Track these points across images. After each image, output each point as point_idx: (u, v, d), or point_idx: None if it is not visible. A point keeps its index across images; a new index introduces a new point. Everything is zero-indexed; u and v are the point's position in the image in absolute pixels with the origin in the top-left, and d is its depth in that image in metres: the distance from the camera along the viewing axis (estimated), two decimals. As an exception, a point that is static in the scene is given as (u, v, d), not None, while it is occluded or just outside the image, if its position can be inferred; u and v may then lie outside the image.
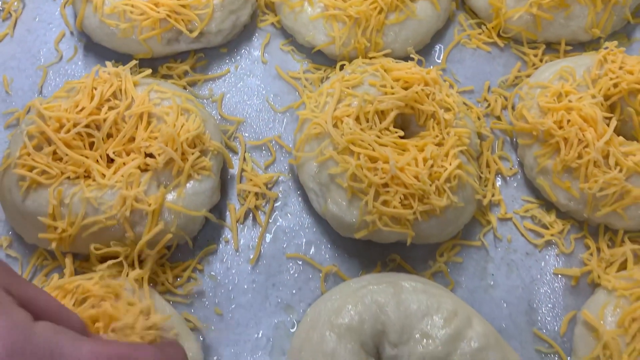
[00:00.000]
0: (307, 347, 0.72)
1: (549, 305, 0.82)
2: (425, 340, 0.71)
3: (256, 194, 0.87)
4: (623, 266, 0.83)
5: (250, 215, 0.87)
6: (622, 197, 0.82)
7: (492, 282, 0.84)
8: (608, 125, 0.85)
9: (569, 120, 0.85)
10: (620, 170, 0.82)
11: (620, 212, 0.83)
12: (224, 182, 0.88)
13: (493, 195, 0.89)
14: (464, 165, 0.83)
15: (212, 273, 0.83)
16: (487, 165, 0.91)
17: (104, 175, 0.79)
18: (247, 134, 0.93)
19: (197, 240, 0.85)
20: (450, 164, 0.81)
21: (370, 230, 0.79)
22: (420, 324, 0.72)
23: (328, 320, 0.73)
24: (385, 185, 0.78)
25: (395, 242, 0.83)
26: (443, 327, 0.71)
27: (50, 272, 0.81)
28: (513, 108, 0.95)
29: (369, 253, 0.85)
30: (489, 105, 0.97)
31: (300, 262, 0.84)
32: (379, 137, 0.82)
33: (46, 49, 1.00)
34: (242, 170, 0.89)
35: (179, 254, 0.84)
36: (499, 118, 0.96)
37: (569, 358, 0.79)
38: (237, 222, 0.86)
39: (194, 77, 0.96)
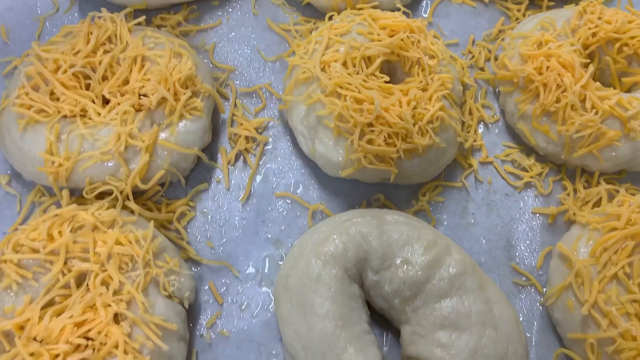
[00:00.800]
0: (294, 273, 0.76)
1: (527, 242, 0.86)
2: (405, 266, 0.74)
3: (247, 137, 0.90)
4: (598, 205, 0.86)
5: (241, 157, 0.90)
6: (598, 138, 0.86)
7: (472, 221, 0.87)
8: (586, 72, 0.88)
9: (548, 67, 0.88)
10: (596, 113, 0.85)
11: (596, 154, 0.86)
12: (215, 127, 0.92)
13: (475, 141, 0.93)
14: (447, 109, 0.86)
15: (204, 210, 0.86)
16: (470, 113, 0.95)
17: (99, 114, 0.82)
18: (238, 82, 0.96)
19: (189, 180, 0.88)
20: (433, 107, 0.84)
21: (356, 168, 0.82)
22: (402, 252, 0.75)
23: (314, 249, 0.76)
24: (370, 125, 0.81)
25: (380, 183, 0.87)
26: (423, 254, 0.75)
27: (47, 208, 0.84)
28: (496, 60, 0.98)
29: (355, 193, 0.88)
30: (473, 57, 1.00)
31: (289, 201, 0.87)
32: (365, 81, 0.85)
33: (42, 1, 1.02)
34: (233, 115, 0.92)
35: (173, 192, 0.87)
36: (482, 69, 0.99)
37: (544, 289, 0.83)
38: (228, 163, 0.89)
39: (187, 27, 0.99)
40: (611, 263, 0.76)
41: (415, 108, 0.83)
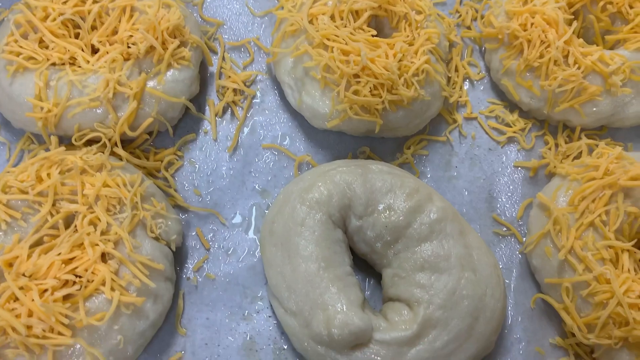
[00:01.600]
0: (280, 218, 0.77)
1: (508, 194, 0.88)
2: (388, 211, 0.76)
3: (234, 90, 0.91)
4: (578, 159, 0.88)
5: (229, 110, 0.91)
6: (579, 93, 0.87)
7: (455, 173, 0.89)
8: (570, 28, 0.89)
9: (532, 24, 0.89)
10: (579, 68, 0.87)
11: (578, 108, 0.88)
12: (203, 80, 0.92)
13: (460, 97, 0.94)
14: (432, 64, 0.87)
15: (192, 159, 0.87)
16: (456, 70, 0.96)
17: (88, 62, 0.83)
18: (226, 36, 0.96)
19: (177, 131, 0.89)
20: (419, 60, 0.85)
21: (342, 119, 0.83)
22: (384, 199, 0.77)
23: (299, 195, 0.78)
24: (357, 76, 0.82)
25: (366, 136, 0.88)
26: (405, 201, 0.77)
27: (36, 155, 0.84)
28: (483, 18, 0.99)
29: (341, 145, 0.90)
30: (460, 16, 1.01)
31: (276, 152, 0.89)
32: (352, 34, 0.86)
33: (32, -46, 1.02)
34: (221, 68, 0.93)
35: (161, 142, 0.88)
36: (469, 28, 1.00)
37: (524, 239, 0.85)
38: (215, 115, 0.90)
39: (176, -18, 0.99)
40: (588, 211, 0.78)
41: (401, 60, 0.84)
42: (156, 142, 0.88)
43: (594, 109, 0.88)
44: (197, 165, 0.87)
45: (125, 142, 0.85)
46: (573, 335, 0.76)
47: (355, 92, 0.82)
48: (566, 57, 0.88)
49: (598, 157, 0.83)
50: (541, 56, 0.88)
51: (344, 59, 0.82)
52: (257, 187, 0.86)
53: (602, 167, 0.79)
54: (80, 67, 0.83)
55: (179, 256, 0.80)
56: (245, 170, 0.87)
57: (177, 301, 0.78)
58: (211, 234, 0.83)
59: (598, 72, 0.87)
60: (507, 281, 0.82)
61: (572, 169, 0.83)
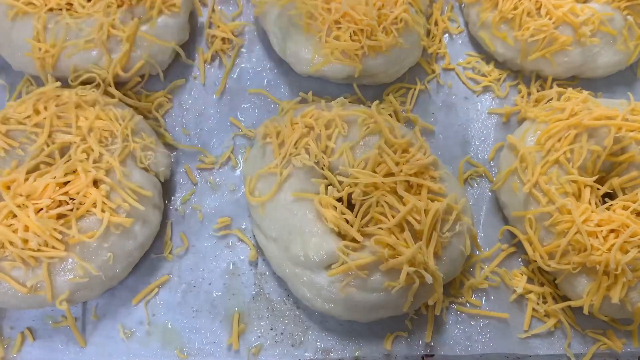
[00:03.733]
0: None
1: (482, 138, 0.92)
2: (364, 148, 0.81)
3: (223, 39, 0.96)
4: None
5: (217, 59, 0.96)
6: (551, 43, 0.91)
7: (432, 120, 0.94)
8: (543, -18, 0.93)
9: (507, -23, 0.94)
10: (550, 19, 0.91)
11: (549, 58, 0.92)
12: (193, 31, 0.97)
13: (439, 49, 0.98)
14: (412, 15, 0.92)
15: (181, 102, 0.92)
16: (436, 24, 1.00)
17: (83, 7, 0.88)
18: (217, -10, 1.01)
19: (168, 76, 0.94)
20: (398, 9, 0.89)
21: (324, 63, 0.88)
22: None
23: (280, 132, 0.82)
24: (337, 22, 0.87)
25: (348, 84, 0.93)
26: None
27: (35, 97, 0.90)
28: (463, -24, 1.04)
29: (324, 92, 0.94)
30: (442, -27, 1.05)
31: (262, 98, 0.93)
32: (335, -15, 0.91)
33: None
34: (211, 19, 0.97)
35: (152, 86, 0.93)
36: (449, -15, 1.04)
37: (494, 179, 0.89)
38: (204, 62, 0.95)
39: (169, -62, 1.04)
40: (554, 149, 0.82)
41: (380, 9, 0.89)
42: (148, 86, 0.93)
43: (565, 58, 0.92)
44: (186, 108, 0.92)
45: (119, 85, 0.90)
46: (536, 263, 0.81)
47: (336, 38, 0.87)
48: (539, 9, 0.92)
49: (565, 101, 0.87)
50: (515, 8, 0.92)
51: (326, 6, 0.87)
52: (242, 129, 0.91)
53: (568, 109, 0.84)
54: (76, 12, 0.88)
55: (167, 191, 0.85)
56: (232, 113, 0.92)
57: (165, 230, 0.83)
58: (198, 171, 0.88)
59: (569, 23, 0.91)
60: (477, 216, 0.86)
61: (541, 112, 0.87)
